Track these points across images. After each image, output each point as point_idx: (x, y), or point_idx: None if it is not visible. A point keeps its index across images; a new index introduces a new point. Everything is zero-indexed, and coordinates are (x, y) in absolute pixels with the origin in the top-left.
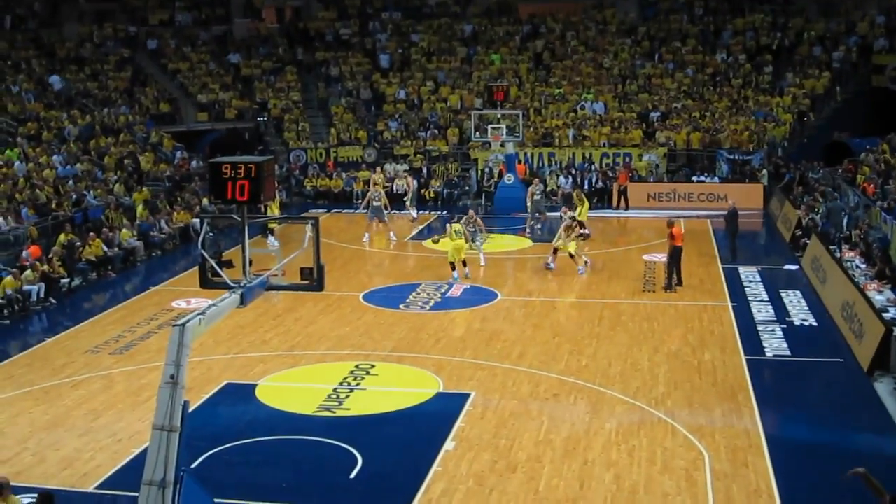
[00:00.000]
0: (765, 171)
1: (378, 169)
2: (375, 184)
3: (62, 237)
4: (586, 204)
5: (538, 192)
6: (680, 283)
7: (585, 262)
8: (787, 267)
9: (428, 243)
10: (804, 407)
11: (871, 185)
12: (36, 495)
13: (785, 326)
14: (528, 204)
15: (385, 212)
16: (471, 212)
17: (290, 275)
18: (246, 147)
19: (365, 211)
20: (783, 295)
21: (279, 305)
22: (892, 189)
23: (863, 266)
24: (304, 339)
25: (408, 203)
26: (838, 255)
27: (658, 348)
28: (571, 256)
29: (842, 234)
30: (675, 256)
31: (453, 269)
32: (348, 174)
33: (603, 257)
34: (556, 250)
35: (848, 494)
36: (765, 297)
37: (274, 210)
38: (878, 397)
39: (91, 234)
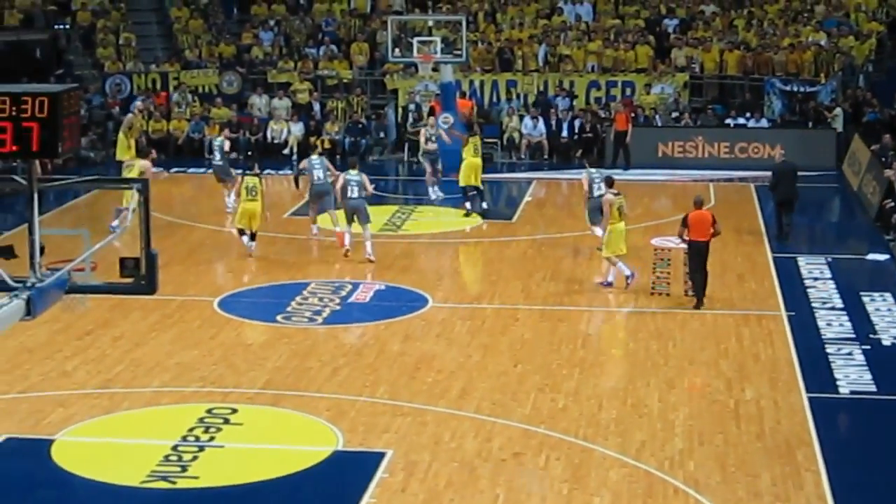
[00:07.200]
0: (838, 111)
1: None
2: None
3: None
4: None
5: (431, 134)
6: (702, 293)
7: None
8: (871, 256)
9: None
10: None
11: None
12: None
13: (869, 348)
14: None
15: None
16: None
17: (105, 269)
18: (37, 70)
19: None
20: (866, 299)
21: (88, 317)
22: None
23: None
24: (128, 371)
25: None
26: None
27: (674, 382)
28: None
29: None
30: (697, 255)
31: (241, 234)
32: (197, 114)
33: (589, 242)
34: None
35: None
36: (838, 302)
37: (135, 171)
38: None
39: None
